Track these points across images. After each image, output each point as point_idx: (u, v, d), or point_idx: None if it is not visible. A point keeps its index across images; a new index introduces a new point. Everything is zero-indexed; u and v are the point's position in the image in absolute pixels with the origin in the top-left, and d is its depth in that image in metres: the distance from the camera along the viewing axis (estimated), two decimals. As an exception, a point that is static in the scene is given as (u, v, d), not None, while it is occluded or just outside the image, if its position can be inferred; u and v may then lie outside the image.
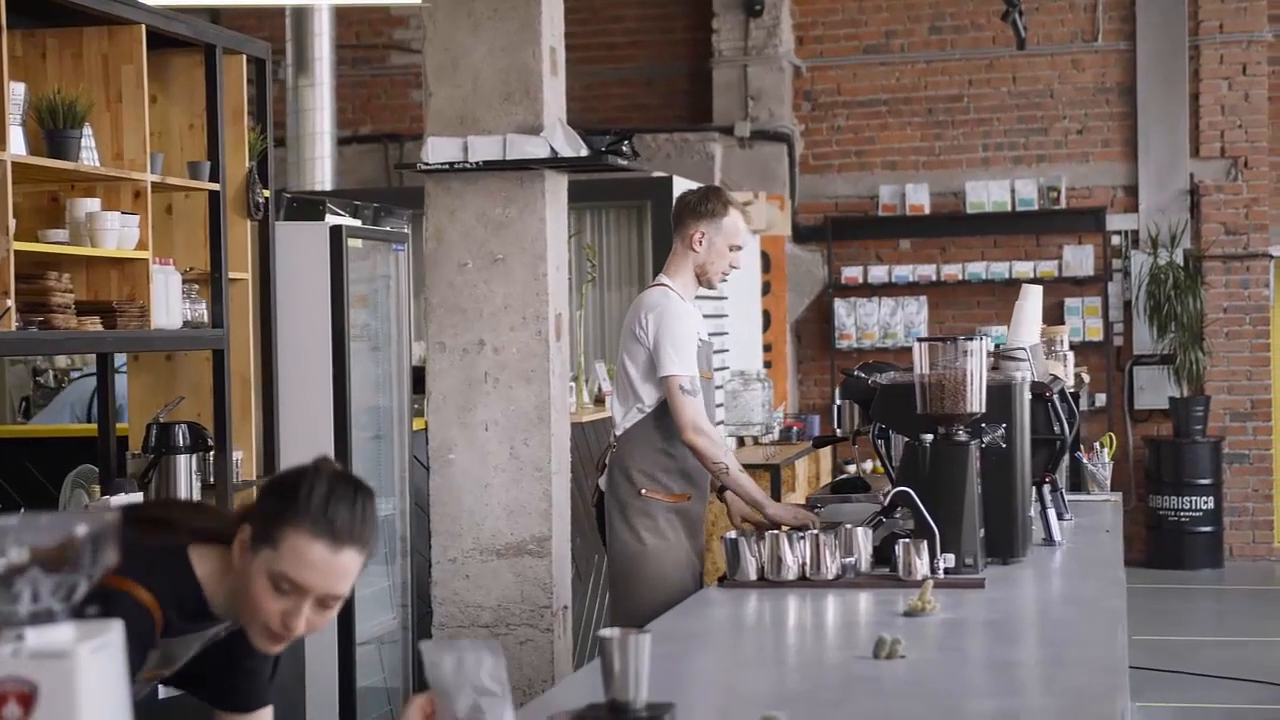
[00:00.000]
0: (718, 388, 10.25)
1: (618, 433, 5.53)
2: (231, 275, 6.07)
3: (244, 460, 6.19)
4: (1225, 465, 13.02)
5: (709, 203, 5.53)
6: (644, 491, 5.45)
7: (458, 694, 2.55)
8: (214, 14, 13.25)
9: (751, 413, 10.02)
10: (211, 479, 5.93)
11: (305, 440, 6.53)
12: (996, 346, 5.75)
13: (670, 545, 5.45)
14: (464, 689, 2.54)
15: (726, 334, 11.04)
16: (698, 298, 5.63)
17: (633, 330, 5.44)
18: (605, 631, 2.89)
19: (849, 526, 4.58)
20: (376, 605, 7.06)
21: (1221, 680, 8.91)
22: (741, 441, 10.79)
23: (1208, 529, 12.81)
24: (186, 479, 5.72)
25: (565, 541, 6.00)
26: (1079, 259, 13.22)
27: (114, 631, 1.88)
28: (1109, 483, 6.79)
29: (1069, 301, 13.20)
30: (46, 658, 1.83)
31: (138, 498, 5.56)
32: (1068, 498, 6.12)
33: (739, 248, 5.55)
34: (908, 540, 4.47)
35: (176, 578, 2.79)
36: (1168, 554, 12.81)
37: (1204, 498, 12.77)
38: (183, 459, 5.70)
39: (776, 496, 9.15)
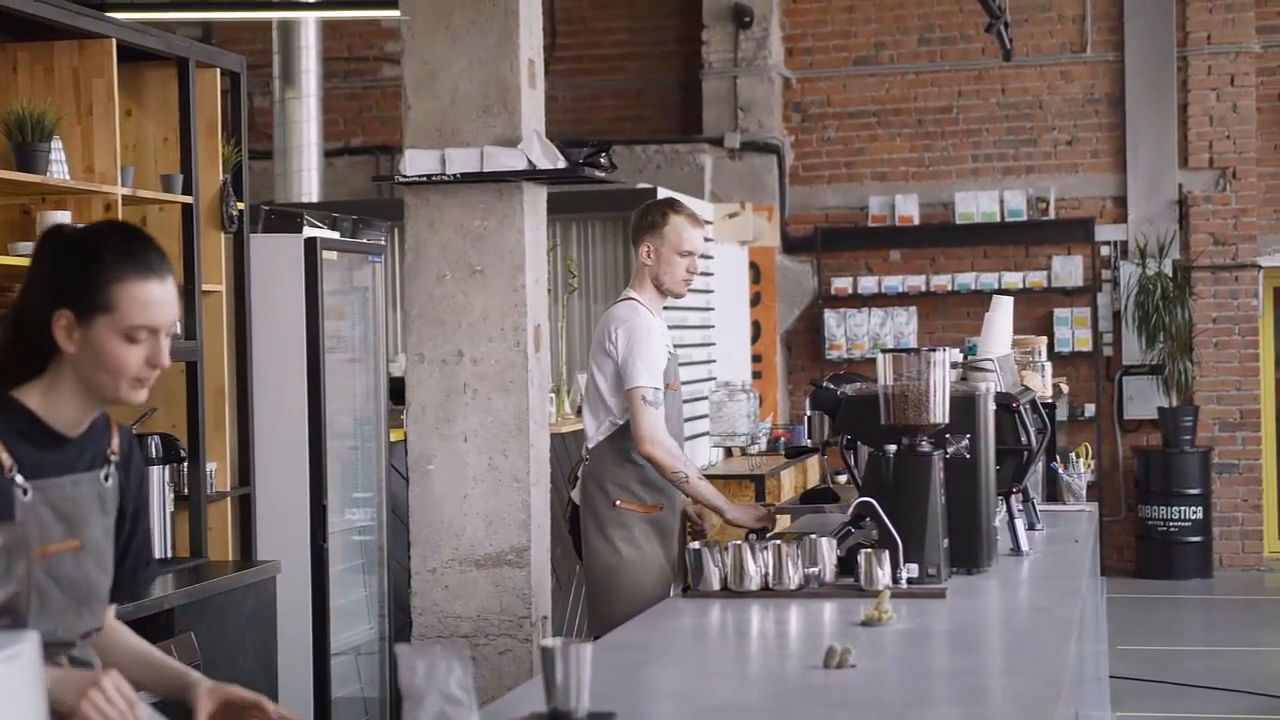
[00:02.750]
0: (701, 399, 10.29)
1: (590, 445, 5.57)
2: (206, 287, 6.10)
3: (218, 472, 6.20)
4: (1215, 475, 13.02)
5: (649, 216, 5.59)
6: (619, 503, 5.49)
7: (425, 699, 2.57)
8: (205, 27, 13.31)
9: (736, 423, 10.02)
10: (185, 491, 5.95)
11: (280, 451, 6.55)
12: (965, 357, 5.76)
13: (645, 555, 5.49)
14: (432, 695, 2.57)
15: (714, 344, 11.04)
16: (666, 308, 5.66)
17: (602, 344, 5.48)
18: (547, 641, 2.93)
19: (813, 537, 4.59)
20: (353, 615, 7.06)
21: (1208, 690, 8.91)
22: (729, 452, 10.79)
23: (1197, 539, 12.80)
24: (160, 491, 5.72)
25: (544, 552, 6.01)
26: (1068, 269, 13.21)
27: (27, 643, 1.90)
28: (1084, 493, 6.79)
29: (1058, 312, 13.19)
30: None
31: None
32: (1043, 508, 6.13)
33: (689, 253, 5.57)
34: (870, 550, 4.47)
35: (6, 414, 2.91)
36: (1157, 564, 12.81)
37: (1193, 508, 12.77)
38: (156, 470, 5.71)
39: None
